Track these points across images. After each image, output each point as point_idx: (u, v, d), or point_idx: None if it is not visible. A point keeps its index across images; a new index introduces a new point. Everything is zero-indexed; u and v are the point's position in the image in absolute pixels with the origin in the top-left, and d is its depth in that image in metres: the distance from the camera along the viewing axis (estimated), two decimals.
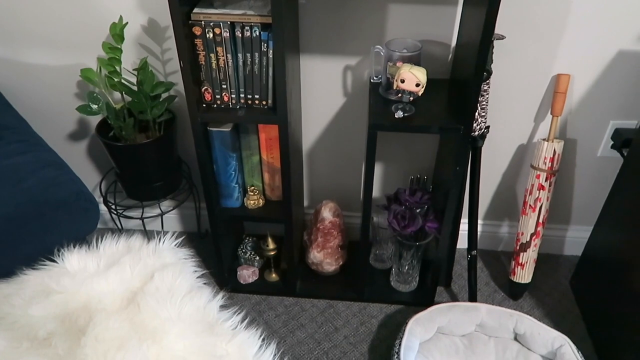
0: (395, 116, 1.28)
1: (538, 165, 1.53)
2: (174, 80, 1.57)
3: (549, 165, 1.51)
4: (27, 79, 1.61)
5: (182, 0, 1.15)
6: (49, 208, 1.13)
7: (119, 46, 1.38)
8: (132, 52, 1.52)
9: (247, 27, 1.19)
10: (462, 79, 1.31)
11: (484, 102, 1.40)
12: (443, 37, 1.44)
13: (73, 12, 1.46)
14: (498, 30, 1.34)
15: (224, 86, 1.28)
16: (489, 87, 1.39)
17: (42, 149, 1.31)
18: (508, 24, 1.37)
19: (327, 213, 1.63)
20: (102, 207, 1.69)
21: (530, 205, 1.57)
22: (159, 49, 1.53)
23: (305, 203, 1.85)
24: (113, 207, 1.63)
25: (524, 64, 1.46)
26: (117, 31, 1.36)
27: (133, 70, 1.42)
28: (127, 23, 1.39)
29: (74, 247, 1.09)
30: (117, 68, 1.40)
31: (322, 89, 1.56)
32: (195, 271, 1.16)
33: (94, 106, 1.40)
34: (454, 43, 1.44)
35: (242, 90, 1.28)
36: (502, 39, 1.37)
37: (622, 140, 1.52)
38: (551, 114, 1.50)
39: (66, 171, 1.23)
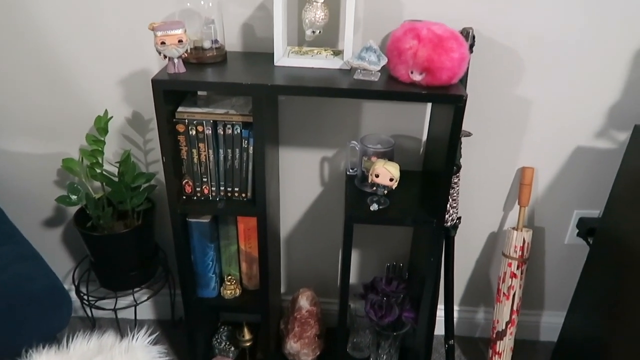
0: (371, 209, 1.32)
1: (509, 253, 1.58)
2: (155, 169, 1.61)
3: (520, 254, 1.56)
4: (7, 165, 1.62)
5: (168, 99, 1.21)
6: (20, 304, 1.11)
7: (103, 138, 1.42)
8: (114, 142, 1.56)
9: (228, 125, 1.24)
10: (434, 171, 1.38)
11: (455, 194, 1.46)
12: (414, 131, 1.52)
13: (60, 104, 1.51)
14: (465, 127, 1.43)
15: (205, 179, 1.31)
16: (459, 179, 1.46)
17: (17, 240, 1.30)
18: (474, 122, 1.47)
19: (304, 302, 1.63)
20: (74, 296, 1.65)
21: (504, 293, 1.59)
22: (141, 140, 1.57)
23: (283, 289, 1.84)
24: (85, 298, 1.59)
25: (490, 158, 1.55)
26: (102, 124, 1.40)
27: (115, 162, 1.45)
28: (111, 117, 1.44)
29: (43, 347, 1.06)
30: (99, 159, 1.43)
31: (301, 179, 1.61)
32: None
33: (74, 197, 1.41)
34: (424, 137, 1.53)
35: (222, 183, 1.32)
36: (469, 135, 1.46)
37: (586, 229, 1.59)
38: (518, 204, 1.57)
39: (41, 265, 1.22)
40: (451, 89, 1.15)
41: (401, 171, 1.29)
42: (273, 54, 1.26)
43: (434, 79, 1.14)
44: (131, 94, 1.49)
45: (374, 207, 1.32)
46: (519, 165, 1.56)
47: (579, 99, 1.45)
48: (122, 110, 1.52)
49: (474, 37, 1.34)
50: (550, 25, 1.35)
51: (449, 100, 1.14)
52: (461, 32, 1.32)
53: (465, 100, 1.12)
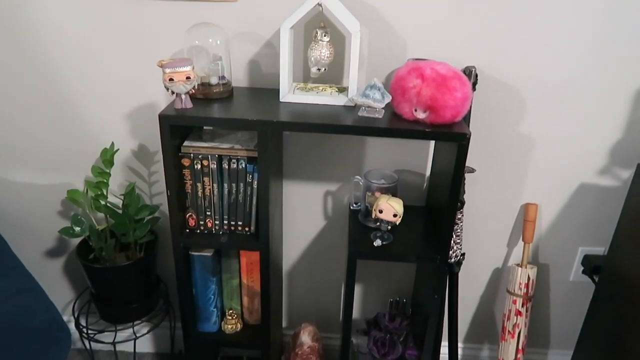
0: (374, 244, 1.32)
1: (514, 290, 1.56)
2: (159, 201, 1.61)
3: (525, 291, 1.55)
4: (10, 196, 1.63)
5: (174, 134, 1.22)
6: (20, 339, 1.09)
7: (108, 170, 1.43)
8: (119, 174, 1.57)
9: (233, 160, 1.25)
10: (437, 207, 1.38)
11: (459, 230, 1.45)
12: (418, 167, 1.53)
13: (66, 136, 1.53)
14: (469, 163, 1.44)
15: (208, 213, 1.31)
16: (462, 215, 1.46)
17: (19, 272, 1.29)
18: (478, 158, 1.48)
19: (306, 337, 1.60)
20: (73, 327, 1.63)
21: (509, 331, 1.57)
22: (146, 172, 1.58)
23: (284, 324, 1.82)
24: (84, 331, 1.57)
25: (494, 194, 1.55)
26: (108, 157, 1.41)
27: (120, 195, 1.46)
28: (117, 150, 1.45)
29: None
30: (104, 191, 1.43)
31: (304, 212, 1.61)
32: None
33: (77, 228, 1.41)
34: (428, 172, 1.54)
35: (225, 217, 1.32)
36: (473, 172, 1.46)
37: (591, 266, 1.58)
38: (523, 240, 1.56)
39: (41, 298, 1.21)
40: (455, 126, 1.16)
41: (405, 206, 1.29)
42: (278, 89, 1.28)
43: (438, 117, 1.15)
44: (137, 127, 1.51)
45: (378, 242, 1.32)
46: (523, 201, 1.56)
47: (582, 137, 1.46)
48: (128, 142, 1.53)
49: (476, 75, 1.36)
50: (552, 64, 1.37)
51: (452, 138, 1.15)
52: (464, 71, 1.34)
53: (469, 138, 1.13)
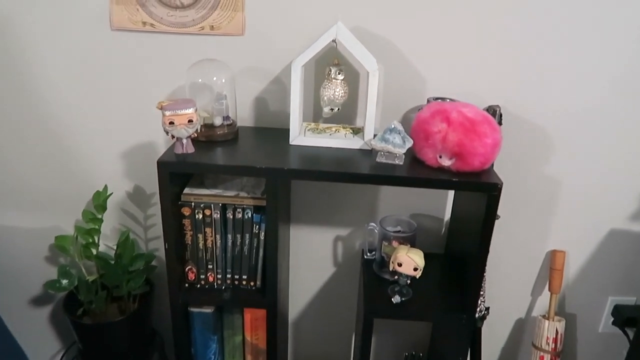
0: (393, 301, 1.19)
1: (541, 345, 1.44)
2: (155, 246, 1.49)
3: (553, 346, 1.42)
4: None
5: (173, 180, 1.11)
6: None
7: (100, 216, 1.31)
8: (113, 217, 1.45)
9: (239, 209, 1.14)
10: (460, 256, 1.27)
11: (483, 282, 1.34)
12: (435, 211, 1.42)
13: (56, 176, 1.41)
14: None
15: (210, 266, 1.19)
16: (485, 265, 1.34)
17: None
18: (501, 202, 1.34)
19: None
20: None
21: None
22: (142, 215, 1.47)
23: None
24: None
25: (518, 241, 1.43)
26: (100, 202, 1.30)
27: (113, 245, 1.33)
28: (111, 194, 1.34)
29: None
30: (96, 238, 1.31)
31: (312, 259, 1.49)
32: None
33: (64, 281, 1.29)
34: (446, 217, 1.42)
35: (229, 270, 1.20)
36: (498, 218, 1.35)
37: (623, 317, 1.46)
38: (549, 290, 1.44)
39: None
40: (484, 175, 1.06)
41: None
42: (287, 129, 1.17)
43: (465, 165, 1.05)
44: (133, 168, 1.40)
45: (397, 299, 1.19)
46: (549, 248, 1.44)
47: (611, 179, 1.35)
48: (122, 184, 1.42)
49: (501, 115, 1.26)
50: (580, 102, 1.27)
51: (482, 188, 1.04)
52: (487, 110, 1.24)
53: (501, 188, 1.03)
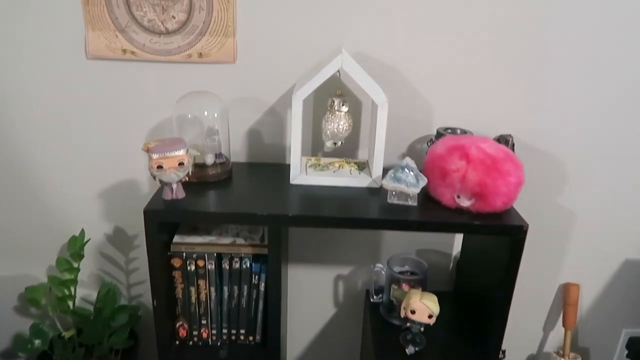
0: (407, 352, 1.09)
1: None
2: (139, 292, 1.36)
3: None
4: None
5: (162, 228, 0.99)
6: None
7: (77, 265, 1.17)
8: (91, 261, 1.31)
9: (236, 259, 1.02)
10: (473, 297, 1.18)
11: None
12: (443, 245, 1.33)
13: (27, 219, 1.27)
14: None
15: (204, 321, 1.07)
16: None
17: None
18: None
19: None
20: None
21: None
22: (123, 259, 1.33)
23: None
24: None
25: (530, 274, 1.34)
26: (77, 248, 1.16)
27: (91, 293, 1.20)
28: (89, 240, 1.20)
29: None
30: (72, 289, 1.17)
31: (311, 299, 1.38)
32: None
33: (37, 341, 1.14)
34: (454, 251, 1.34)
35: (225, 325, 1.08)
36: None
37: (638, 350, 1.39)
38: (563, 326, 1.37)
39: None
40: (506, 217, 0.97)
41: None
42: (285, 165, 1.08)
43: (486, 206, 0.96)
44: (113, 208, 1.27)
45: (411, 349, 1.09)
46: (561, 280, 1.37)
47: (625, 208, 1.29)
48: (101, 226, 1.28)
49: (513, 144, 1.17)
50: (593, 130, 1.20)
51: (506, 232, 0.95)
52: (499, 140, 1.16)
53: (526, 231, 0.94)
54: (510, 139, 1.17)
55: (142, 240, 1.27)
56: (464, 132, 1.15)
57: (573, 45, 1.13)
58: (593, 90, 1.17)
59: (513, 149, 1.18)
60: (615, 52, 1.13)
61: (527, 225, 0.94)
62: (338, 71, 1.00)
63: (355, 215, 0.95)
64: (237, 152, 1.20)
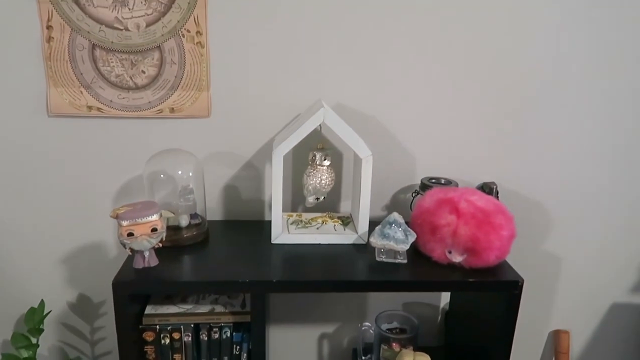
0: None
1: None
2: None
3: None
4: None
5: (133, 299, 0.90)
6: None
7: (36, 341, 1.06)
8: (51, 333, 1.20)
9: (215, 329, 0.94)
10: (466, 352, 1.12)
11: None
12: (430, 298, 1.28)
13: None
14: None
15: None
16: None
17: None
18: None
19: None
20: None
21: None
22: (88, 328, 1.22)
23: None
24: None
25: (520, 322, 1.30)
26: (35, 323, 1.05)
27: None
28: (49, 312, 1.09)
29: None
30: None
31: None
32: None
33: None
34: (442, 303, 1.28)
35: None
36: None
37: None
38: None
39: None
40: (500, 271, 0.93)
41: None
42: (264, 221, 1.02)
43: (479, 261, 0.91)
44: (76, 274, 1.17)
45: None
46: (551, 327, 1.33)
47: (611, 252, 1.28)
48: (63, 294, 1.18)
49: (497, 192, 1.15)
50: (576, 176, 1.20)
51: (502, 288, 0.91)
52: (483, 188, 1.14)
53: (522, 286, 0.90)
54: (495, 187, 1.15)
55: (109, 307, 1.18)
56: (448, 182, 1.12)
57: (553, 92, 1.13)
58: (575, 135, 1.17)
59: (497, 197, 1.16)
60: (597, 99, 1.14)
61: (523, 280, 0.91)
62: (319, 125, 0.96)
63: (345, 278, 0.89)
64: (213, 209, 1.14)
